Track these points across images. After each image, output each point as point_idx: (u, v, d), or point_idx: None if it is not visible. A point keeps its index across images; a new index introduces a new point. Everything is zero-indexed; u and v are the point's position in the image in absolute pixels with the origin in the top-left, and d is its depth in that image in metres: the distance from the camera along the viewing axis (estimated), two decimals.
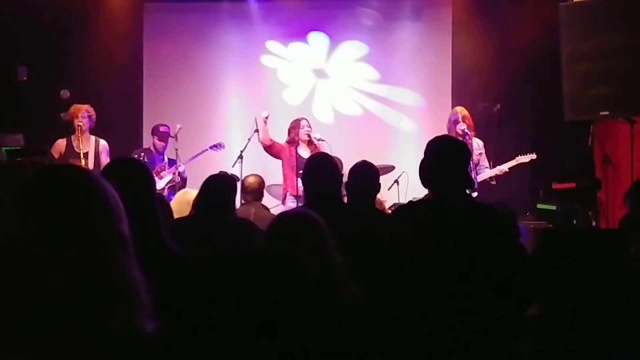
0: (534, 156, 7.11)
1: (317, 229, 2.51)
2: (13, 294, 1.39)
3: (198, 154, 7.74)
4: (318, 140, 7.46)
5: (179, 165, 7.46)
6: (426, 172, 3.22)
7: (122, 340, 1.39)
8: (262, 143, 7.51)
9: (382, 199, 7.01)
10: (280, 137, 7.84)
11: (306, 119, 7.66)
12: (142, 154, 7.52)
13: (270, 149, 7.53)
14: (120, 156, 5.24)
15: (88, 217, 1.44)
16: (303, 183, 4.09)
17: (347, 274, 2.32)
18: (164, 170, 7.54)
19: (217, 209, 4.10)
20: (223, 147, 7.87)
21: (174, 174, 7.44)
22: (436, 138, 3.43)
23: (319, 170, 3.97)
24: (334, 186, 3.96)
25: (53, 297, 1.37)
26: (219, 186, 4.29)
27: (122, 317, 1.41)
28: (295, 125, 7.59)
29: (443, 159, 3.22)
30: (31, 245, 1.41)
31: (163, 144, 7.67)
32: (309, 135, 7.47)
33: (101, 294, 1.40)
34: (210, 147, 7.78)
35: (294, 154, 7.43)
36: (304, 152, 7.45)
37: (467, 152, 3.44)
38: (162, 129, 7.67)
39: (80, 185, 1.49)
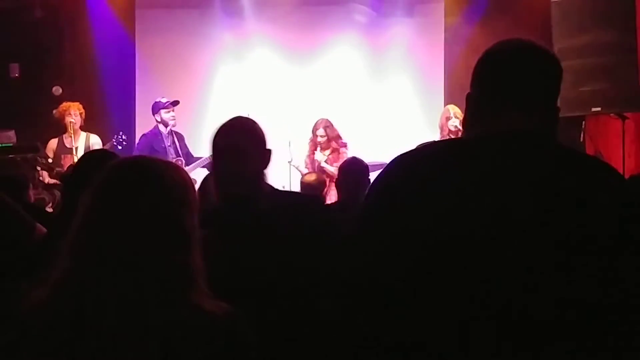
0: None
1: None
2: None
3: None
4: (336, 147, 7.48)
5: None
6: (482, 97, 1.76)
7: (194, 317, 1.50)
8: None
9: None
10: (270, 134, 7.83)
11: (326, 120, 7.59)
12: (121, 133, 7.28)
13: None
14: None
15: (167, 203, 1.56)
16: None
17: None
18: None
19: None
20: None
21: None
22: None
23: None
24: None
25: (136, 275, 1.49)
26: None
27: (194, 295, 1.53)
28: (314, 127, 7.58)
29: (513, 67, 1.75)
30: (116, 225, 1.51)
31: (173, 114, 7.29)
32: (326, 140, 7.47)
33: (178, 275, 1.52)
34: None
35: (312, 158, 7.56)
36: (320, 156, 7.45)
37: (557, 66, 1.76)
38: (162, 100, 7.33)
39: (158, 176, 1.58)
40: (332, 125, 7.58)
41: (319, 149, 7.49)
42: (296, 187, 7.45)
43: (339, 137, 7.58)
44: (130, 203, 1.52)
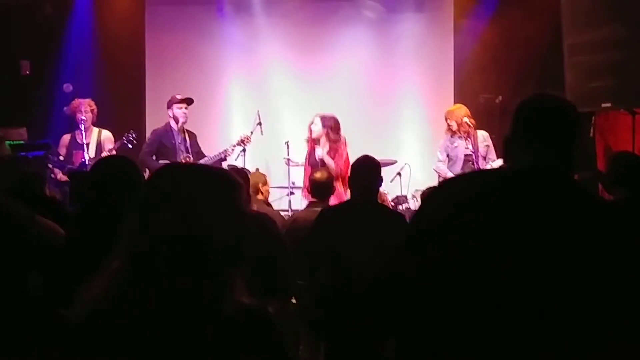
0: None
1: None
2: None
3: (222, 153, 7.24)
4: (333, 139, 7.24)
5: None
6: (514, 137, 2.09)
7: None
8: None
9: (384, 192, 7.00)
10: (280, 130, 7.81)
11: (319, 117, 7.33)
12: (131, 131, 7.28)
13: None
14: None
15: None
16: None
17: None
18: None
19: None
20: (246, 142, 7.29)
21: None
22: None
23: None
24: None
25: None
26: None
27: (232, 293, 1.60)
28: (309, 124, 7.39)
29: (536, 119, 2.05)
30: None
31: (185, 111, 7.23)
32: (324, 135, 7.29)
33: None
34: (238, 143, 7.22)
35: (312, 152, 7.36)
36: (319, 151, 7.27)
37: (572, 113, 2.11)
38: (177, 95, 7.29)
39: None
40: (327, 118, 7.35)
41: (322, 141, 7.31)
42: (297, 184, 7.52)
43: (333, 130, 7.30)
44: (167, 209, 1.59)
